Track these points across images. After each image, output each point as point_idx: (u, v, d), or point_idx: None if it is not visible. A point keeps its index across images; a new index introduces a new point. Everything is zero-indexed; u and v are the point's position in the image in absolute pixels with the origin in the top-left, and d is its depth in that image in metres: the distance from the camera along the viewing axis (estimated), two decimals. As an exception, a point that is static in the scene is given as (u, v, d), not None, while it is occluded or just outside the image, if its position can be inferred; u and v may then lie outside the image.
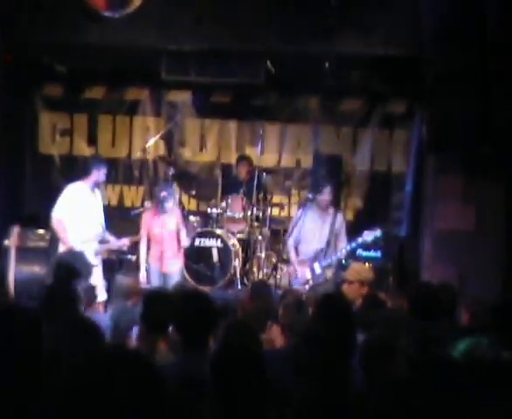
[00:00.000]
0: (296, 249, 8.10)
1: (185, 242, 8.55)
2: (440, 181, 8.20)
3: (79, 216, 7.89)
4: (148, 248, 8.45)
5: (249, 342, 3.90)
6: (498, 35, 6.63)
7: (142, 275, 8.31)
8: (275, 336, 4.90)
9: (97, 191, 8.21)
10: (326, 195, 7.98)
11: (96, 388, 1.85)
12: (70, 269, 5.81)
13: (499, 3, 6.70)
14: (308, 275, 7.88)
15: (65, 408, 1.87)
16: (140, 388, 1.86)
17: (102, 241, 8.16)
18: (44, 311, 4.53)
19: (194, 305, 4.17)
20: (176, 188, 9.95)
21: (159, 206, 8.32)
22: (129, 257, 9.31)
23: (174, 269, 8.44)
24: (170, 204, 8.30)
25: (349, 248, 7.92)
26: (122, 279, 6.37)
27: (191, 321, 4.05)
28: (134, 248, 9.46)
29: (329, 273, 7.98)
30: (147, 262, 8.39)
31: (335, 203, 8.59)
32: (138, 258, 9.52)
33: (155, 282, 8.23)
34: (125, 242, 8.34)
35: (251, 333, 4.11)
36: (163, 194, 8.28)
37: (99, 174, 8.05)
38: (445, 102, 7.05)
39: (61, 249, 7.80)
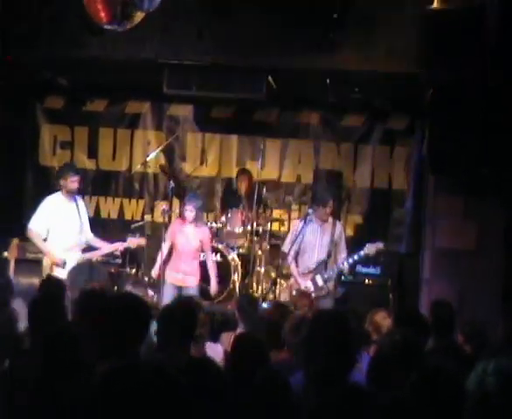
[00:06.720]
0: (296, 261, 8.07)
1: (212, 270, 8.47)
2: (441, 199, 8.18)
3: (57, 225, 7.86)
4: (167, 260, 8.32)
5: (257, 354, 4.05)
6: (498, 52, 6.62)
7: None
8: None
9: (79, 200, 8.16)
10: (329, 208, 7.99)
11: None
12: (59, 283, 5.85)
13: (500, 18, 6.69)
14: (311, 287, 7.84)
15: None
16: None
17: (89, 249, 8.10)
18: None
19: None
20: (175, 201, 9.96)
21: (183, 215, 8.30)
22: (128, 270, 9.29)
23: (190, 284, 8.27)
24: (191, 215, 8.17)
25: (351, 261, 7.90)
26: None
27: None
28: (134, 259, 9.44)
29: (330, 286, 7.97)
30: (162, 273, 8.22)
31: (335, 215, 8.57)
32: (138, 270, 9.53)
33: (170, 294, 8.01)
34: (118, 246, 8.29)
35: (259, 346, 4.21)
36: (186, 206, 8.23)
37: (66, 183, 7.91)
38: (443, 122, 7.06)
39: (45, 261, 7.76)
